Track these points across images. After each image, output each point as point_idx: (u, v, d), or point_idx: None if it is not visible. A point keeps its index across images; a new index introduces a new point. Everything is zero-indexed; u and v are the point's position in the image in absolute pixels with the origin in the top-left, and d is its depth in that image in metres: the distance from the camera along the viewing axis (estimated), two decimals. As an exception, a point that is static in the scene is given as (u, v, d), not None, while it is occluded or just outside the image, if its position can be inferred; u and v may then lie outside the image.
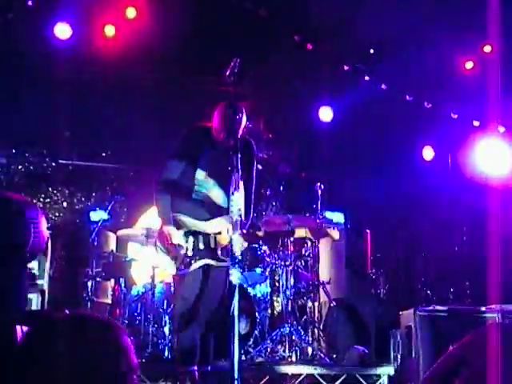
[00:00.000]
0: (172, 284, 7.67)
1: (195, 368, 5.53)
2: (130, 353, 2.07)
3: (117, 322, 2.15)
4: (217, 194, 5.69)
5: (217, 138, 5.75)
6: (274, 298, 8.43)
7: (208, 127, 5.85)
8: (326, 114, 10.98)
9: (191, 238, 5.59)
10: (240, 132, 5.51)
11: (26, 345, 2.02)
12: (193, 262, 5.53)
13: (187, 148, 5.84)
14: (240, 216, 4.95)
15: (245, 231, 5.43)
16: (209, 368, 5.67)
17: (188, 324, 5.56)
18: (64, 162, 10.68)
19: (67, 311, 2.12)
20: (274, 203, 11.16)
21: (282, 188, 11.24)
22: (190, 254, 5.55)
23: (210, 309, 5.52)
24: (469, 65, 10.90)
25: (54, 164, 10.59)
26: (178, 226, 5.62)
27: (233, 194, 4.96)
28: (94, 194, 10.64)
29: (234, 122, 5.43)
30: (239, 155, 5.04)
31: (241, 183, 5.12)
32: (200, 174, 5.72)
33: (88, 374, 1.94)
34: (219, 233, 5.50)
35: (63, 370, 1.92)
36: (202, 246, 5.56)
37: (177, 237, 5.55)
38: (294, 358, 7.35)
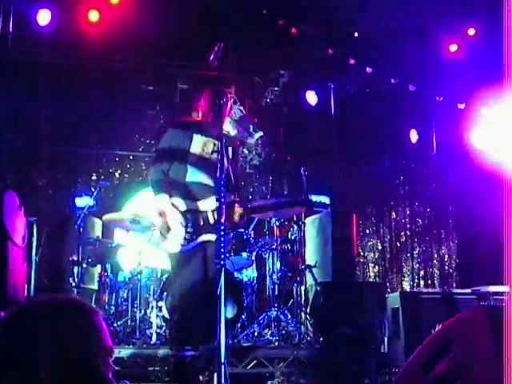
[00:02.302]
0: (164, 267, 7.72)
1: (186, 352, 5.56)
2: (103, 335, 2.04)
3: (90, 304, 2.13)
4: (207, 177, 5.75)
5: (204, 123, 5.85)
6: (261, 282, 8.44)
7: (194, 120, 6.01)
8: (310, 98, 10.98)
9: (190, 216, 5.65)
10: (226, 115, 5.63)
11: None
12: (194, 236, 5.59)
13: (176, 139, 5.93)
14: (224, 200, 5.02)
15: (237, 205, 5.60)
16: (197, 352, 5.70)
17: (182, 305, 5.62)
18: (49, 147, 10.63)
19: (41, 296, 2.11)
20: (259, 188, 11.17)
21: (267, 172, 11.26)
22: (190, 230, 5.61)
23: (206, 289, 5.55)
24: (453, 47, 10.92)
25: (38, 150, 10.54)
26: (174, 206, 5.68)
27: (217, 177, 5.01)
28: (79, 180, 10.61)
29: (220, 106, 5.53)
30: (223, 140, 5.12)
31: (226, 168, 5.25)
32: (191, 158, 5.80)
33: (59, 354, 1.93)
34: (215, 210, 5.52)
35: (34, 352, 1.92)
36: (201, 222, 5.63)
37: (182, 205, 5.64)
38: (281, 342, 7.37)
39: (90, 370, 1.97)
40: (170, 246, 5.71)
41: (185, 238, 5.63)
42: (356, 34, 10.72)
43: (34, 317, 2.00)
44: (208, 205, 5.67)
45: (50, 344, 1.94)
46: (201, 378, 5.71)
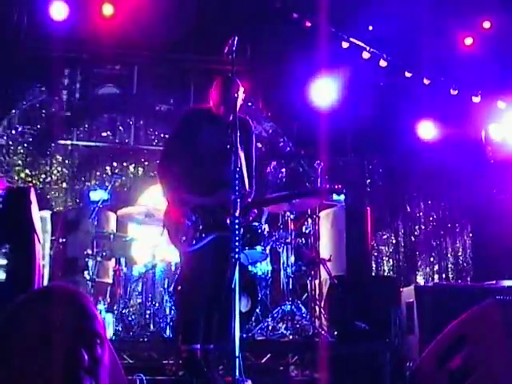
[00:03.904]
0: (179, 260, 7.73)
1: (198, 346, 5.55)
2: (94, 320, 2.02)
3: (83, 293, 2.12)
4: (218, 171, 5.68)
5: (216, 113, 5.78)
6: (275, 276, 8.42)
7: (206, 108, 5.89)
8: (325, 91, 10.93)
9: (199, 213, 5.61)
10: (238, 106, 5.53)
11: None
12: (203, 235, 5.55)
13: (187, 127, 5.86)
14: (240, 192, 5.00)
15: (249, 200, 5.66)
16: (211, 346, 5.69)
17: (193, 302, 5.60)
18: (63, 141, 10.67)
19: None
20: (273, 181, 11.15)
21: (282, 166, 11.24)
22: (199, 227, 5.57)
23: (217, 285, 5.54)
24: (468, 41, 10.86)
25: (53, 144, 10.58)
26: (182, 204, 5.64)
27: (232, 170, 4.99)
28: (93, 174, 10.63)
29: (232, 94, 5.47)
30: (238, 132, 5.09)
31: (242, 159, 5.23)
32: (201, 151, 5.74)
33: (53, 334, 1.92)
34: (224, 205, 5.48)
35: (31, 332, 1.92)
36: (210, 219, 5.58)
37: (191, 201, 5.62)
38: (295, 336, 7.36)
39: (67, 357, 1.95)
40: (179, 246, 5.69)
41: (193, 237, 5.58)
42: (370, 28, 10.68)
43: (23, 303, 2.00)
44: (218, 200, 5.60)
45: (44, 324, 1.93)
46: (215, 372, 5.71)
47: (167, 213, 5.74)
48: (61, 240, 8.87)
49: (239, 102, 5.60)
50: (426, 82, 11.00)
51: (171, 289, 7.74)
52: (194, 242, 5.56)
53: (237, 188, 4.98)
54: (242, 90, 5.75)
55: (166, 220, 5.77)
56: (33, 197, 5.99)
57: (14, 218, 5.78)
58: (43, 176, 10.44)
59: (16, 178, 10.24)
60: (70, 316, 1.97)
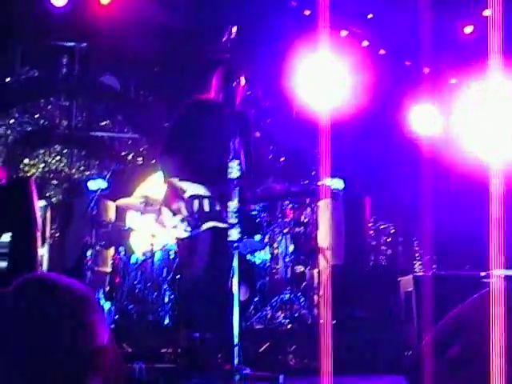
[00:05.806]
0: (176, 249, 7.72)
1: (197, 335, 5.57)
2: (94, 330, 1.84)
3: (88, 293, 1.89)
4: (218, 159, 5.70)
5: (216, 104, 5.83)
6: (274, 265, 8.43)
7: (206, 98, 5.97)
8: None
9: (196, 202, 5.62)
10: (239, 95, 5.63)
11: None
12: (199, 223, 5.57)
13: (188, 117, 5.92)
14: (237, 182, 5.03)
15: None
16: (209, 335, 5.70)
17: (192, 290, 5.62)
18: (62, 130, 10.66)
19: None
20: (272, 171, 11.14)
21: (281, 154, 11.23)
22: (195, 215, 5.59)
23: (214, 274, 5.55)
24: (468, 29, 10.82)
25: (52, 133, 10.57)
26: (181, 191, 5.66)
27: (230, 160, 5.00)
28: (92, 163, 10.63)
29: (232, 85, 5.53)
30: (236, 121, 5.13)
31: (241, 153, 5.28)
32: (201, 140, 5.78)
33: (41, 347, 1.77)
34: (223, 195, 5.49)
35: (15, 340, 1.77)
36: (207, 209, 5.59)
37: (189, 190, 5.61)
38: (293, 325, 7.37)
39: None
40: (175, 231, 5.71)
41: (189, 224, 5.60)
42: (370, 16, 10.65)
43: (12, 305, 1.84)
44: (216, 189, 5.62)
45: (32, 335, 1.78)
46: (213, 360, 5.72)
47: (165, 198, 5.78)
48: (59, 229, 8.87)
49: (239, 92, 5.71)
50: (425, 70, 10.97)
51: (170, 277, 7.75)
52: (190, 229, 5.58)
53: (236, 176, 5.01)
54: (242, 79, 5.83)
55: (163, 204, 5.81)
56: (33, 187, 6.04)
57: (15, 207, 5.83)
58: (42, 165, 10.43)
59: (15, 167, 10.24)
60: (66, 325, 1.80)
